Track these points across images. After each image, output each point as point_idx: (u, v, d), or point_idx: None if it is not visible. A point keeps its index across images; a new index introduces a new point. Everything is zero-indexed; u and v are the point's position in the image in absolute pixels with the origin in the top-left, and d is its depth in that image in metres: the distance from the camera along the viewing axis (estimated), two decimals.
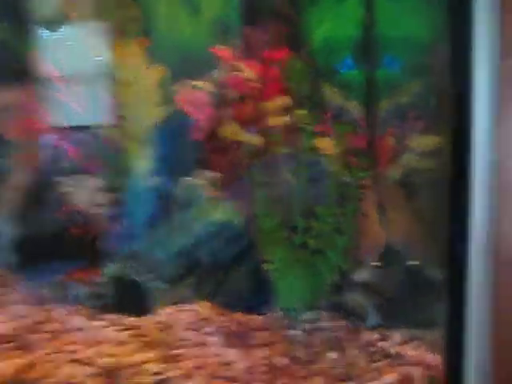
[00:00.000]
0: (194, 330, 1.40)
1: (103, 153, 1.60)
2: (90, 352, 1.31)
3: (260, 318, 1.50)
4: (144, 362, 1.28)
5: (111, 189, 1.67)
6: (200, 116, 1.70)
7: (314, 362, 1.36)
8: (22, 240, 1.63)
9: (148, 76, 1.65)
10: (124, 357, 1.29)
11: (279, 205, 1.52)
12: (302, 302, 1.52)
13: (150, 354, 1.30)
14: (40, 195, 1.64)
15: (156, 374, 1.25)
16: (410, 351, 1.33)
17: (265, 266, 1.49)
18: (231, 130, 1.68)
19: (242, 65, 1.68)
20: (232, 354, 1.33)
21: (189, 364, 1.28)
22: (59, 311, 1.50)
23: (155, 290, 1.52)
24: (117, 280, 1.57)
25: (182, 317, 1.44)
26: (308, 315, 1.51)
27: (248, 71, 1.70)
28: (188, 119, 1.73)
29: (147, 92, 1.63)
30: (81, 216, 1.76)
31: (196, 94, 1.70)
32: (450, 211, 1.24)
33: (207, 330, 1.39)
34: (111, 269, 1.57)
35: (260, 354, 1.35)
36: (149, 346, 1.34)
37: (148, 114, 1.64)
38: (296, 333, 1.46)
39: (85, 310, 1.52)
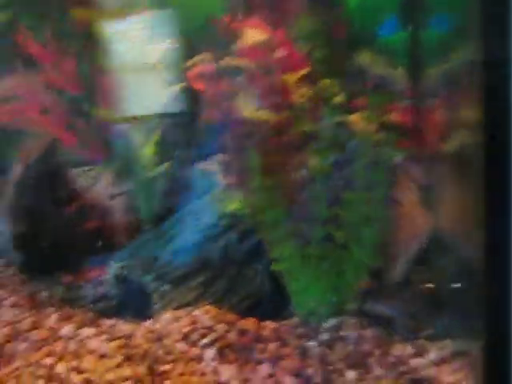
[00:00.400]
0: (190, 340, 1.20)
1: (105, 140, 1.44)
2: (66, 366, 1.15)
3: (273, 325, 1.28)
4: (122, 380, 1.10)
5: (117, 179, 1.51)
6: (209, 93, 1.49)
7: (328, 383, 1.12)
8: (27, 237, 1.51)
9: (154, 51, 1.46)
10: (102, 373, 1.12)
11: (293, 193, 1.29)
12: (321, 306, 1.28)
13: (128, 371, 1.12)
14: (47, 188, 1.51)
15: None
16: (446, 375, 1.06)
17: (273, 266, 1.26)
18: (245, 107, 1.45)
19: (257, 32, 1.45)
20: (229, 371, 1.12)
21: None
22: (54, 316, 1.36)
23: (157, 292, 1.34)
24: (117, 280, 1.41)
25: (180, 324, 1.24)
26: (329, 322, 1.27)
27: (264, 37, 1.46)
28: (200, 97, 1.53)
29: (152, 70, 1.45)
30: (95, 209, 1.62)
31: (204, 68, 1.49)
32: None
33: (205, 341, 1.19)
34: (113, 268, 1.41)
35: (264, 371, 1.13)
36: (134, 360, 1.16)
37: (154, 95, 1.46)
38: (312, 344, 1.22)
39: (82, 315, 1.38)
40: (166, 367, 1.14)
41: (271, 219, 1.23)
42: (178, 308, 1.32)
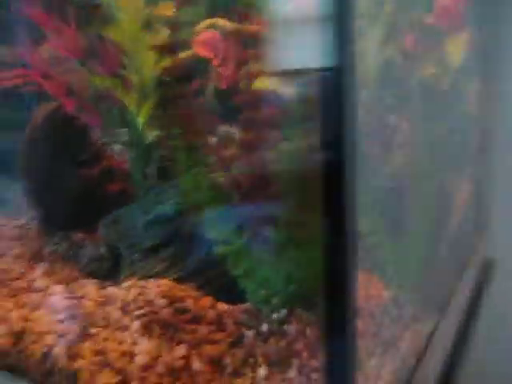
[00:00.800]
0: (126, 310, 1.20)
1: (100, 105, 1.46)
2: (19, 313, 1.22)
3: (224, 308, 1.23)
4: (49, 333, 1.15)
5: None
6: (215, 61, 1.44)
7: (237, 376, 1.05)
8: (39, 194, 1.61)
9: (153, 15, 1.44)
10: (39, 324, 1.18)
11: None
12: (274, 295, 1.19)
13: (61, 327, 1.16)
14: (61, 148, 1.58)
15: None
16: None
17: (217, 250, 1.19)
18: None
19: None
20: (146, 345, 1.10)
21: (90, 346, 1.10)
22: (39, 270, 1.44)
23: (127, 260, 1.36)
24: (105, 244, 1.45)
25: (127, 293, 1.24)
26: (281, 313, 1.18)
27: None
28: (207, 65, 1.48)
29: (151, 35, 1.43)
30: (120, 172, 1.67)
31: (211, 34, 1.44)
32: None
33: (137, 312, 1.17)
34: (100, 232, 1.46)
35: (179, 352, 1.09)
36: (75, 319, 1.19)
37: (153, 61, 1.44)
38: (249, 334, 1.14)
39: (67, 272, 1.44)
40: (95, 330, 1.15)
41: (198, 202, 1.17)
42: (143, 278, 1.32)
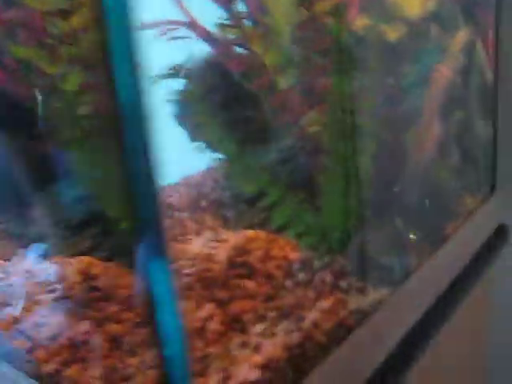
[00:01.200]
0: (42, 284, 1.26)
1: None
2: None
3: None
4: None
5: None
6: None
7: (133, 354, 1.10)
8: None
9: None
10: None
11: None
12: None
13: None
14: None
15: None
16: None
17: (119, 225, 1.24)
18: None
19: None
20: (55, 318, 1.16)
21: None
22: None
23: (56, 237, 1.42)
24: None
25: (48, 270, 1.31)
26: None
27: None
28: None
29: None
30: None
31: None
32: None
33: (49, 288, 1.24)
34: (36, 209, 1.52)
35: (82, 328, 1.15)
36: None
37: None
38: None
39: (7, 250, 1.51)
40: (13, 302, 1.23)
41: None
42: (70, 255, 1.38)
